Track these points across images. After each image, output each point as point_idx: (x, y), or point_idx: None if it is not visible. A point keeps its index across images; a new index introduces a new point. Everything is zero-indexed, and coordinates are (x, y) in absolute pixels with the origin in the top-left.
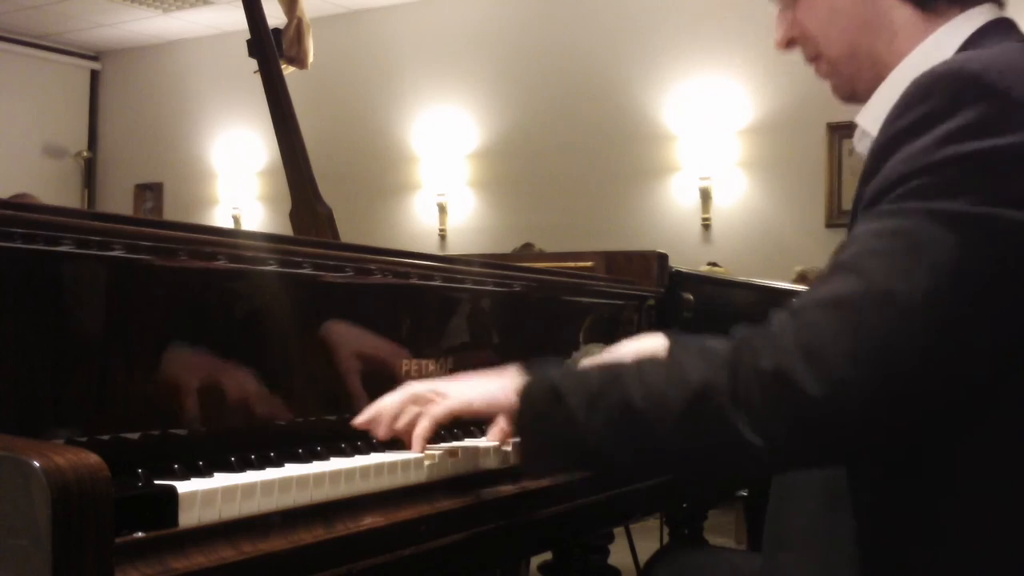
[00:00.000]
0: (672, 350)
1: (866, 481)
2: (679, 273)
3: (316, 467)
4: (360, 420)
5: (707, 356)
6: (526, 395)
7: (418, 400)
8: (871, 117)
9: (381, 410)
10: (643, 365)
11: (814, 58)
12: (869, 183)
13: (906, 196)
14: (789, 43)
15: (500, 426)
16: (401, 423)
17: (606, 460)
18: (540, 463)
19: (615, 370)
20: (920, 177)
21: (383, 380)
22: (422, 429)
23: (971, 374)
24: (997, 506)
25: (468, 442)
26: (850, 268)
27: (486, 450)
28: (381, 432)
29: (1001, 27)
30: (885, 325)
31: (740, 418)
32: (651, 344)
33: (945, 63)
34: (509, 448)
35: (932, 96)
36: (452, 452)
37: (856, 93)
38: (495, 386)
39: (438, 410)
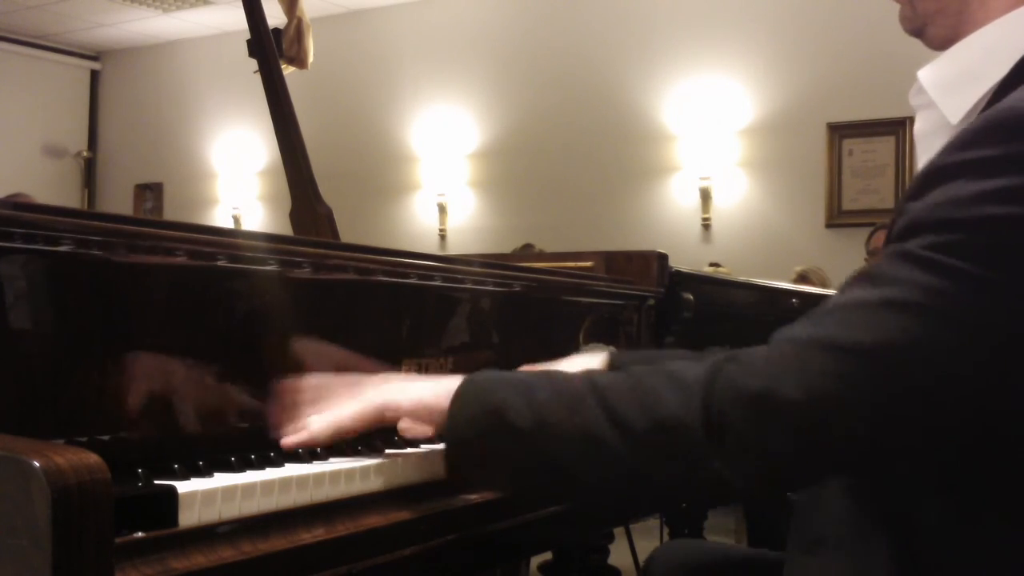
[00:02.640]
0: (635, 370)
1: (901, 492)
2: (679, 273)
3: (316, 467)
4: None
5: (677, 382)
6: (459, 405)
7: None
8: (933, 75)
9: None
10: (599, 382)
11: None
12: (912, 201)
13: (938, 247)
14: None
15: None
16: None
17: (553, 486)
18: (474, 476)
19: (565, 386)
20: (957, 231)
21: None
22: (322, 424)
23: (970, 432)
24: None
25: None
26: (865, 313)
27: None
28: (287, 441)
29: None
30: (885, 381)
31: (712, 450)
32: (588, 362)
33: None
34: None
35: (1005, 139)
36: None
37: (925, 33)
38: (440, 393)
39: (369, 408)
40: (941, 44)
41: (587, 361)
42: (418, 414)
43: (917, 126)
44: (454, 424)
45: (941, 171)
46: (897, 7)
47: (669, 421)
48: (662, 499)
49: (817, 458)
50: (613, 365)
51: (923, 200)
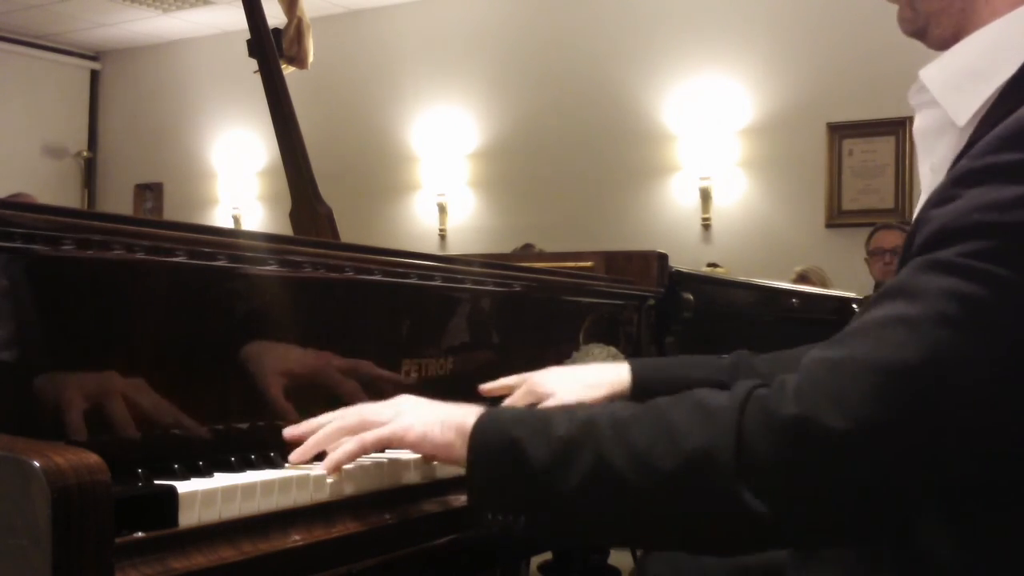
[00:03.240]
0: (659, 402)
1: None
2: (679, 273)
3: (317, 468)
4: (291, 433)
5: (705, 413)
6: (479, 448)
7: (359, 428)
8: (935, 74)
9: (313, 429)
10: (620, 417)
11: None
12: (937, 208)
13: (977, 255)
14: None
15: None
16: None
17: (573, 527)
18: (494, 519)
19: (585, 423)
20: (996, 237)
21: (383, 380)
22: (343, 453)
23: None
24: None
25: None
26: (905, 329)
27: None
28: (295, 456)
29: None
30: (935, 396)
31: (745, 484)
32: (613, 376)
33: None
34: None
35: None
36: None
37: (926, 33)
38: (447, 427)
39: (371, 437)
40: (944, 44)
41: (605, 369)
42: (420, 450)
43: (917, 124)
44: (475, 466)
45: (972, 175)
46: (895, 8)
47: (697, 453)
48: (689, 543)
49: (863, 493)
50: (635, 373)
51: (951, 206)
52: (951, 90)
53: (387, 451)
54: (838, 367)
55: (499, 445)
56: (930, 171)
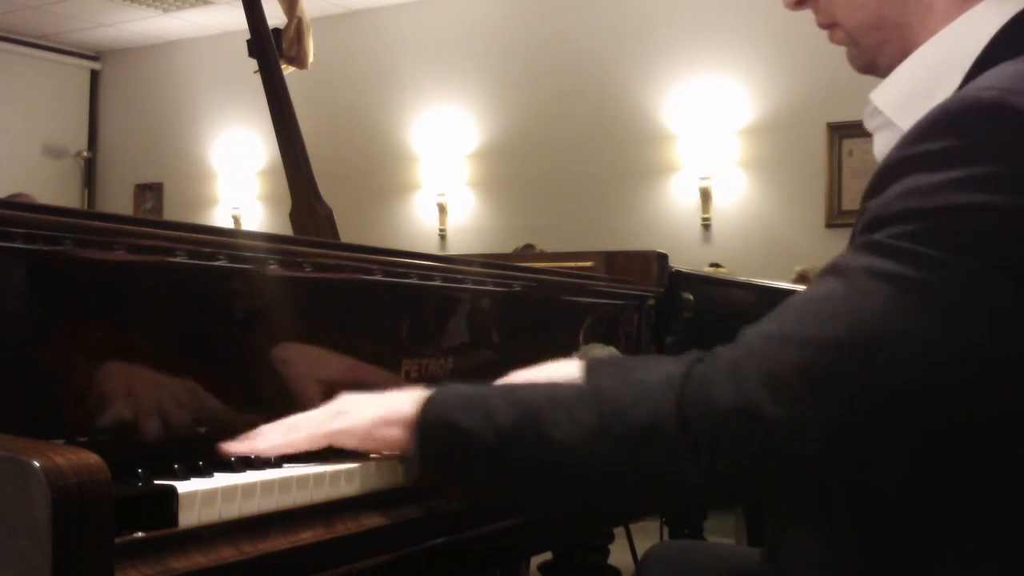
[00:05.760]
0: (596, 381)
1: (875, 495)
2: (679, 273)
3: (316, 467)
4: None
5: (645, 389)
6: (422, 438)
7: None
8: (886, 96)
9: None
10: (562, 398)
11: (829, 24)
12: (871, 199)
13: (905, 236)
14: (801, 3)
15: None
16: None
17: (517, 495)
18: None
19: (527, 402)
20: (922, 220)
21: (383, 380)
22: (271, 443)
23: (946, 422)
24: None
25: None
26: (835, 304)
27: None
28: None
29: None
30: (862, 371)
31: (687, 458)
32: (563, 371)
33: (984, 90)
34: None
35: (962, 129)
36: None
37: (876, 66)
38: (390, 423)
39: (299, 436)
40: None
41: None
42: (367, 445)
43: (877, 147)
44: (418, 462)
45: (898, 165)
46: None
47: (640, 432)
48: (628, 508)
49: (800, 467)
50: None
51: (883, 195)
52: (904, 110)
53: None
54: (770, 341)
55: (444, 434)
56: None
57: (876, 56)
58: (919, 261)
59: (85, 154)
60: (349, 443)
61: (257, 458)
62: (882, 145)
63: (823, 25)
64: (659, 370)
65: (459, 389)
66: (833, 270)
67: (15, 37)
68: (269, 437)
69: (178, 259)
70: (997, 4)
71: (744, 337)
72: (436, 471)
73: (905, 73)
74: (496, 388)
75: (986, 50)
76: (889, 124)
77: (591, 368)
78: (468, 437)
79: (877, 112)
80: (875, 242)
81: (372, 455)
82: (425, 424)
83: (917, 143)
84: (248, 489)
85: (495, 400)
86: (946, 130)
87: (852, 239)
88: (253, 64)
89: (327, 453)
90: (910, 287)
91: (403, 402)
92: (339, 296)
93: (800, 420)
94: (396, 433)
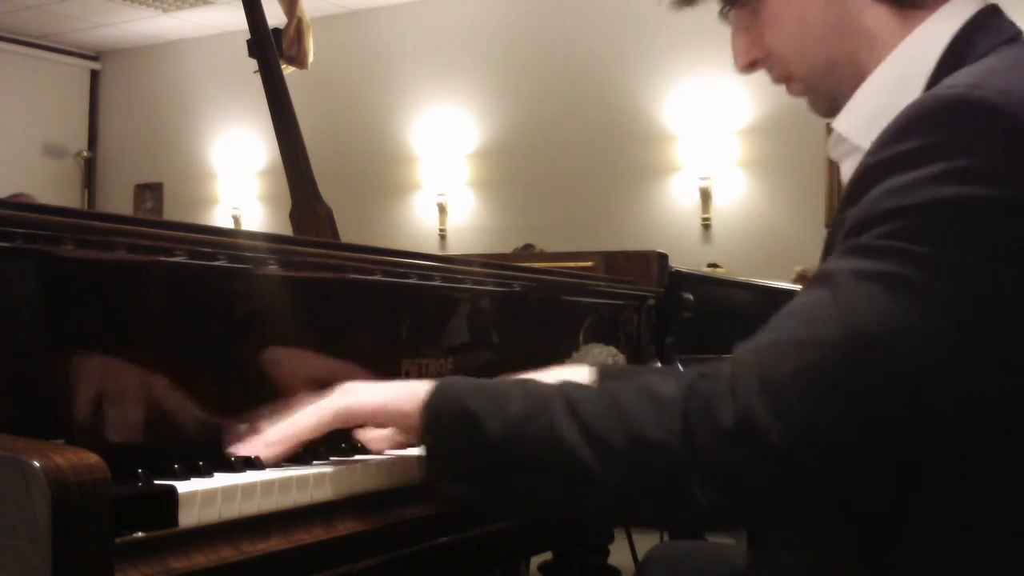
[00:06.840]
0: (610, 386)
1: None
2: (679, 273)
3: (316, 468)
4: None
5: (655, 402)
6: (431, 414)
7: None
8: (849, 122)
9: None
10: (575, 397)
11: (784, 78)
12: (849, 209)
13: (891, 235)
14: (752, 65)
15: (388, 435)
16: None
17: (522, 502)
18: (446, 487)
19: (540, 397)
20: (907, 217)
21: (382, 380)
22: (278, 436)
23: (945, 420)
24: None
25: None
26: (827, 308)
27: None
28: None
29: (993, 21)
30: (859, 370)
31: (691, 476)
32: (575, 374)
33: (948, 88)
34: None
35: (933, 128)
36: None
37: (838, 106)
38: (401, 397)
39: (303, 422)
40: None
41: (571, 373)
42: (378, 419)
43: (844, 175)
44: (429, 435)
45: (874, 170)
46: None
47: (647, 442)
48: (632, 522)
49: (803, 485)
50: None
51: (863, 201)
52: (869, 132)
53: (386, 451)
54: (765, 350)
55: (454, 414)
56: None
57: (835, 96)
58: (910, 258)
59: (85, 154)
60: (358, 418)
61: (257, 458)
62: (850, 172)
63: (778, 79)
64: (669, 383)
65: (473, 379)
66: (821, 278)
67: (15, 37)
68: (276, 432)
69: (178, 259)
70: (940, 19)
71: (739, 352)
72: (439, 455)
73: (864, 97)
74: (511, 380)
75: (942, 61)
76: (855, 150)
77: (604, 374)
78: (477, 420)
79: (842, 140)
80: (862, 245)
81: (372, 455)
82: (437, 402)
83: (890, 146)
84: (248, 489)
85: (509, 390)
86: (917, 129)
87: (827, 250)
88: (253, 64)
89: (327, 454)
90: (903, 285)
91: (416, 383)
92: (339, 296)
93: (796, 426)
94: (407, 407)
